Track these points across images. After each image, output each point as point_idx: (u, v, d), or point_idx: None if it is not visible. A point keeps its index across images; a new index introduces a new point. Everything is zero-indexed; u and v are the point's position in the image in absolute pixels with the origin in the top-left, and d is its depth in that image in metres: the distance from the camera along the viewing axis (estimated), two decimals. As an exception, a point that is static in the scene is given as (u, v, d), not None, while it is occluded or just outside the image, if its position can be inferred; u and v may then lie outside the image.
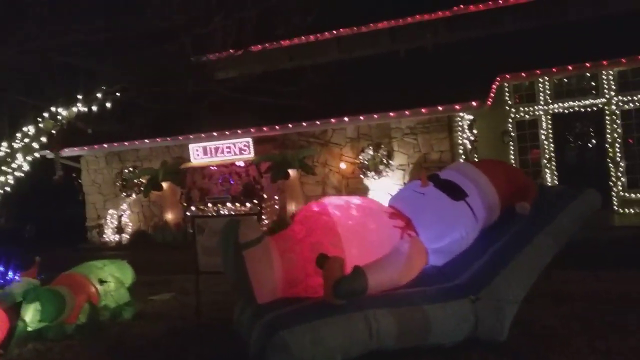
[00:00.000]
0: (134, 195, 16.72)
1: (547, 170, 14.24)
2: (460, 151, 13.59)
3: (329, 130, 14.69)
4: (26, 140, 7.04)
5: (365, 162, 14.06)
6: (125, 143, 15.83)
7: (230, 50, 7.82)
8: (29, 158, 7.56)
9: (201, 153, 15.38)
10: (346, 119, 13.73)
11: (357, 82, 14.53)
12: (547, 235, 4.85)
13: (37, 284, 5.89)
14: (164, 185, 15.54)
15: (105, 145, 16.13)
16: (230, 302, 7.20)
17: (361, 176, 14.18)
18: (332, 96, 13.13)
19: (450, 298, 4.57)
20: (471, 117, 14.25)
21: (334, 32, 17.80)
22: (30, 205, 21.49)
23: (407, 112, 13.12)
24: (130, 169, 16.72)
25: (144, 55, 7.03)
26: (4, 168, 7.30)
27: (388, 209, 5.01)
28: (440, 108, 12.75)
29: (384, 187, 13.78)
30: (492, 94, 13.21)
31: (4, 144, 6.98)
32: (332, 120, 13.89)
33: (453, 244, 4.90)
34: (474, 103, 12.44)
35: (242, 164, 15.26)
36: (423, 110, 12.93)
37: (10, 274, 9.24)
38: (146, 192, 15.61)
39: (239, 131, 14.81)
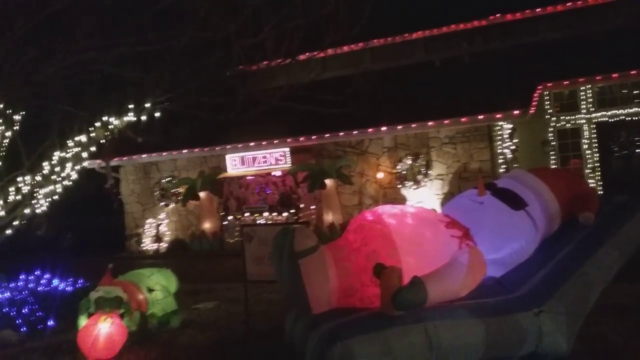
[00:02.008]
0: (171, 205, 16.90)
1: (590, 180, 13.87)
2: (501, 161, 13.35)
3: (366, 140, 14.61)
4: (76, 149, 7.18)
5: (403, 172, 13.94)
6: (164, 153, 16.03)
7: (278, 60, 7.86)
8: (77, 167, 7.70)
9: (238, 163, 15.48)
10: (384, 128, 13.65)
11: (393, 92, 14.43)
12: (612, 247, 4.66)
13: (120, 292, 5.91)
14: (202, 194, 15.70)
15: (144, 156, 16.36)
16: (277, 312, 7.19)
17: (399, 186, 14.05)
18: (368, 106, 13.06)
19: (511, 311, 4.41)
20: (511, 126, 13.99)
21: (367, 42, 17.80)
22: (69, 214, 21.95)
23: (446, 121, 12.98)
24: (169, 178, 16.91)
25: (191, 67, 7.12)
26: (53, 177, 7.45)
27: (444, 218, 4.90)
28: (480, 117, 12.57)
29: (422, 197, 13.63)
30: (534, 103, 12.97)
31: (56, 153, 7.13)
32: (369, 129, 13.82)
33: (513, 255, 4.75)
34: (515, 112, 12.22)
35: (278, 173, 15.31)
36: (463, 119, 12.77)
37: (56, 281, 9.43)
38: (184, 201, 15.78)
39: (275, 141, 14.86)
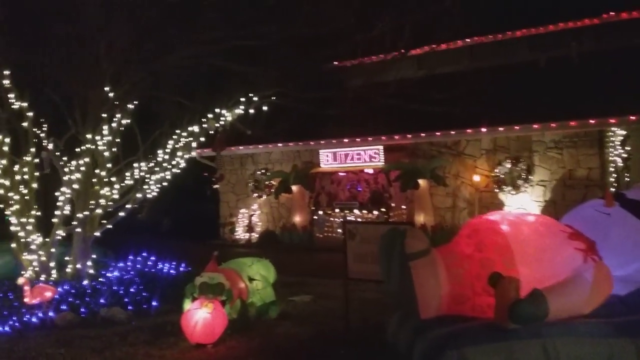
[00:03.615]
0: (264, 196, 17.29)
1: None
2: (611, 169, 12.48)
3: (463, 140, 14.17)
4: (187, 139, 7.50)
5: (502, 176, 13.38)
6: (260, 146, 16.38)
7: (389, 55, 7.81)
8: (186, 156, 8.03)
9: (331, 159, 15.54)
10: (483, 129, 13.16)
11: (493, 92, 13.87)
12: None
13: (223, 279, 6.09)
14: (294, 188, 15.92)
15: (241, 148, 16.79)
16: (372, 311, 7.12)
17: (496, 190, 13.51)
18: (472, 105, 12.60)
19: (638, 334, 4.07)
20: (624, 132, 13.03)
21: (467, 40, 17.24)
22: (168, 199, 22.94)
23: (552, 125, 12.30)
24: (263, 170, 17.31)
25: (301, 61, 7.22)
26: (164, 165, 7.80)
27: (566, 228, 4.60)
28: (592, 121, 11.80)
29: (522, 203, 13.05)
30: (652, 108, 11.99)
31: (170, 142, 7.48)
32: (468, 130, 13.38)
33: (641, 272, 4.39)
34: (632, 117, 11.36)
35: (371, 171, 15.22)
36: (572, 123, 12.04)
37: (160, 264, 9.89)
38: (277, 193, 16.09)
39: (369, 138, 14.75)
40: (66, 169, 7.57)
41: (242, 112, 7.51)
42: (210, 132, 7.62)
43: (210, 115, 7.25)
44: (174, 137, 7.53)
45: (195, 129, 7.40)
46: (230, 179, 18.32)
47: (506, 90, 13.91)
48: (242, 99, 7.37)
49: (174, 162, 7.78)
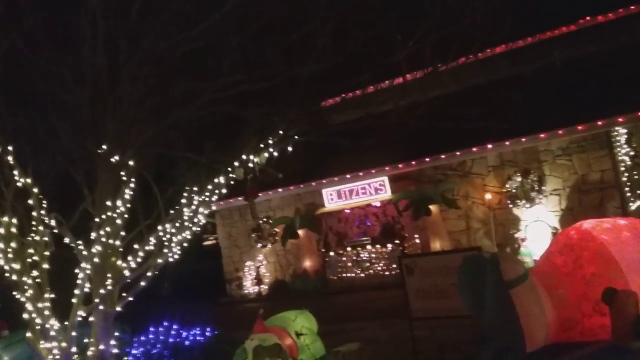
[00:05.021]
0: (269, 245, 16.68)
1: None
2: (623, 168, 12.29)
3: (468, 160, 13.90)
4: (208, 193, 7.02)
5: (514, 191, 13.09)
6: (260, 194, 15.81)
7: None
8: (206, 211, 7.51)
9: (335, 197, 15.13)
10: (489, 145, 12.94)
11: (488, 109, 13.69)
12: None
13: (276, 339, 5.54)
14: (300, 232, 15.40)
15: (240, 198, 16.23)
16: (434, 348, 6.59)
17: (510, 206, 13.20)
18: (467, 124, 12.38)
19: None
20: (625, 130, 12.92)
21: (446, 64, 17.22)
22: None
23: (560, 132, 12.14)
24: (265, 219, 16.71)
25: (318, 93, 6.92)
26: (186, 224, 7.27)
27: (666, 229, 4.23)
28: (599, 123, 11.67)
29: (539, 215, 12.74)
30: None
31: (196, 198, 6.98)
32: (474, 149, 13.15)
33: None
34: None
35: (378, 204, 14.82)
36: (579, 127, 11.88)
37: (183, 332, 9.22)
38: (284, 240, 15.55)
39: (372, 171, 14.41)
40: (80, 244, 6.97)
41: (268, 155, 7.11)
42: (232, 182, 7.18)
43: (236, 164, 6.82)
44: (196, 193, 7.03)
45: (222, 180, 6.94)
46: (230, 232, 17.70)
47: (500, 106, 13.73)
48: (269, 142, 6.96)
49: (195, 220, 7.27)
